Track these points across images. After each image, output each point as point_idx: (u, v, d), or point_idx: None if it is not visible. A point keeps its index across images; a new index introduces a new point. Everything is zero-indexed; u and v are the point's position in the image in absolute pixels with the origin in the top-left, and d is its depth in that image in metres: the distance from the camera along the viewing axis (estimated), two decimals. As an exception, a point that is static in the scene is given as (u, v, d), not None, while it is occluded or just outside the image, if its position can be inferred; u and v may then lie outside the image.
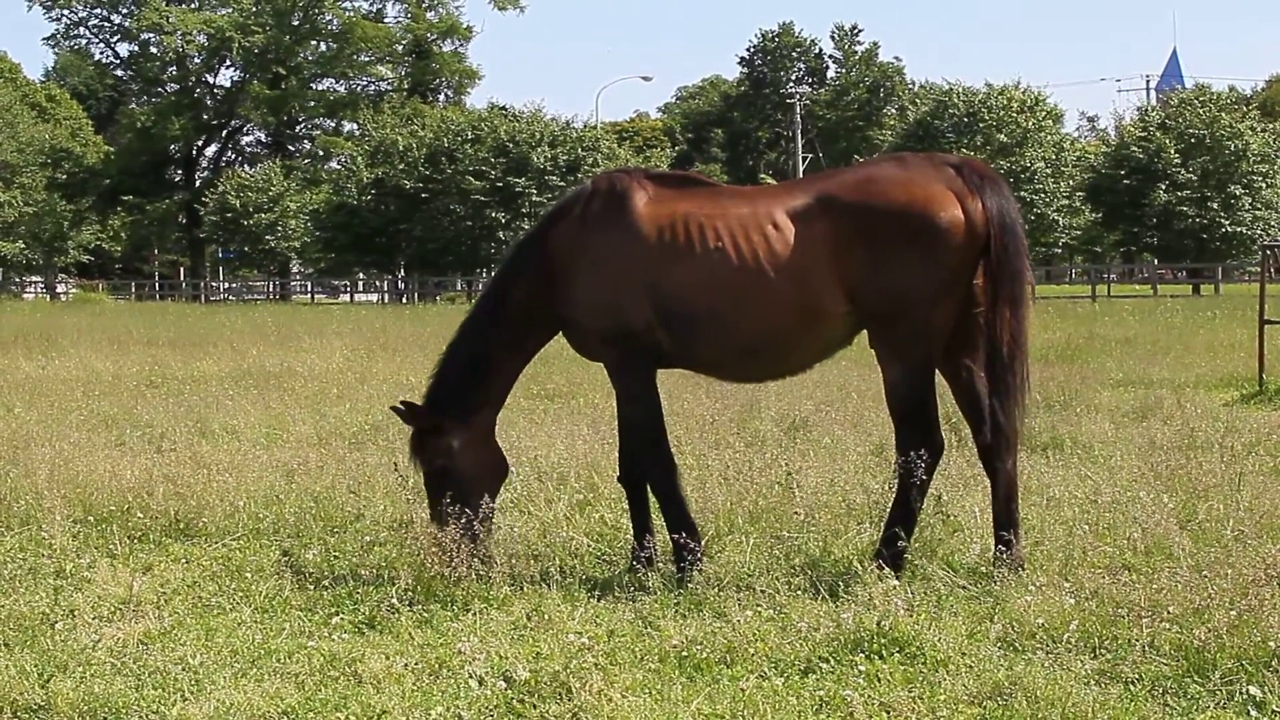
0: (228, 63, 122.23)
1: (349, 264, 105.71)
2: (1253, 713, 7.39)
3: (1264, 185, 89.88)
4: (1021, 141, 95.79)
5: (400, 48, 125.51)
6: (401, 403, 10.95)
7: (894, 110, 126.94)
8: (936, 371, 10.23)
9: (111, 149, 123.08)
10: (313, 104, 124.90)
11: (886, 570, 9.60)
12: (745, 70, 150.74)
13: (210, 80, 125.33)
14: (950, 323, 10.04)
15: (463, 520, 10.18)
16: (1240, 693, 7.58)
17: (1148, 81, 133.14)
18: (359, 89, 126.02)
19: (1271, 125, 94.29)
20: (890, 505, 10.27)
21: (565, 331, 10.91)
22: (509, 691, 7.83)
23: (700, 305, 10.25)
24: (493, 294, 11.06)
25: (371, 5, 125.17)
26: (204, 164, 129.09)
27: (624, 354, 10.54)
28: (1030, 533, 10.82)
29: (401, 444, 12.82)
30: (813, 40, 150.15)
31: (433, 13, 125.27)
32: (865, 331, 10.27)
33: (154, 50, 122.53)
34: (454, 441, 10.74)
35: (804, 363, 10.73)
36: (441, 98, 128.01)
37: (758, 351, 10.39)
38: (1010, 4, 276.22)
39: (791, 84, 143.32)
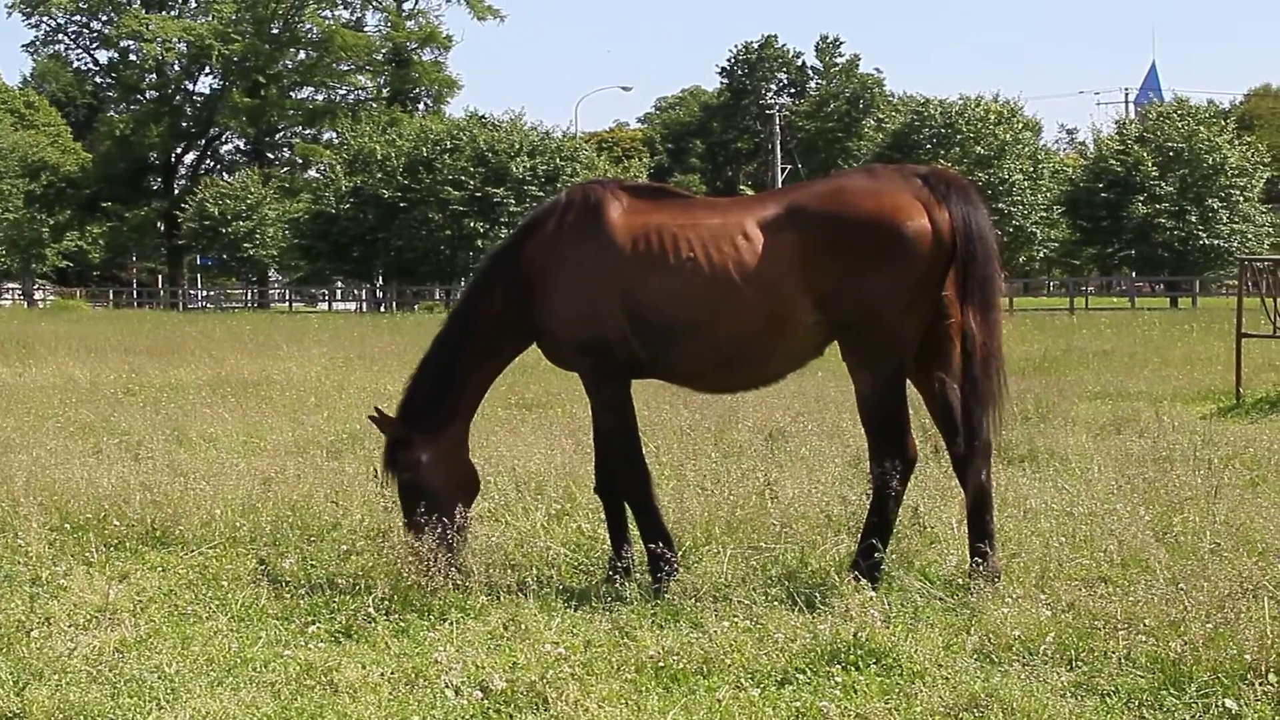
0: (207, 70, 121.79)
1: (327, 273, 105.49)
2: (1228, 725, 7.41)
3: (1241, 199, 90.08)
4: (999, 153, 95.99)
5: (380, 57, 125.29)
6: (376, 410, 10.98)
7: (873, 122, 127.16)
8: (909, 382, 10.28)
9: (90, 156, 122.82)
10: (292, 112, 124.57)
11: (863, 581, 9.61)
12: (725, 81, 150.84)
13: (190, 88, 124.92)
14: (920, 333, 10.07)
15: (437, 531, 10.21)
16: (1216, 705, 7.60)
17: (1126, 95, 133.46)
18: (338, 98, 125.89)
19: (1249, 139, 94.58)
20: (866, 516, 10.30)
21: (540, 342, 10.94)
22: (485, 701, 7.83)
23: (673, 315, 10.29)
24: (466, 305, 11.10)
25: (351, 14, 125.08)
26: (183, 172, 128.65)
27: (599, 364, 10.58)
28: (1007, 544, 10.83)
29: (379, 453, 12.81)
30: (796, 52, 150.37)
31: (412, 22, 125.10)
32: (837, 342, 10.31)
33: (133, 58, 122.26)
34: (423, 455, 10.76)
35: (776, 373, 10.77)
36: (421, 107, 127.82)
37: (729, 361, 10.42)
38: (991, 17, 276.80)
39: (771, 95, 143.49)
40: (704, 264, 10.20)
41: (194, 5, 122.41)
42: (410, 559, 10.01)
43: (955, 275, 10.00)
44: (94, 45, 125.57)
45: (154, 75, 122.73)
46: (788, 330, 10.17)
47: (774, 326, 10.15)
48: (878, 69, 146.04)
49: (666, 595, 9.99)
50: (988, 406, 10.10)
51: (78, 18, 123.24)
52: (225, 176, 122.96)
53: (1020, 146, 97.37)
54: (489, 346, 10.94)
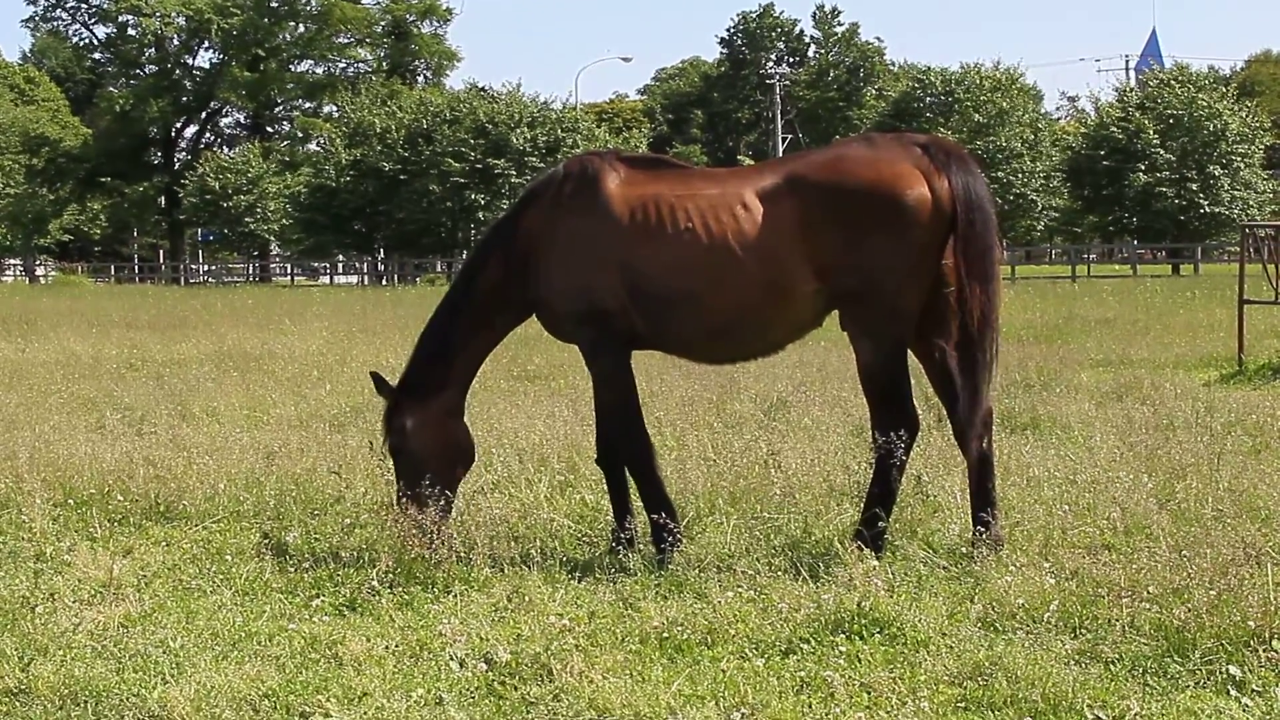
0: (206, 45, 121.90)
1: (328, 246, 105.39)
2: (1232, 692, 7.40)
3: (1242, 165, 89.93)
4: (999, 121, 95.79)
5: (379, 29, 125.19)
6: (373, 374, 11.04)
7: (874, 91, 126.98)
8: (910, 351, 10.27)
9: (90, 131, 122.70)
10: (291, 86, 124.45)
11: (867, 551, 9.60)
12: (725, 51, 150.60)
13: (189, 62, 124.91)
14: (920, 302, 10.05)
15: (426, 499, 10.23)
16: (1220, 672, 7.60)
17: (1127, 61, 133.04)
18: (338, 71, 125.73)
19: (1250, 105, 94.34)
20: (869, 485, 10.29)
21: (538, 314, 10.93)
22: (490, 673, 7.84)
23: (671, 285, 10.28)
24: (465, 277, 11.09)
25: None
26: (183, 146, 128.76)
27: (598, 336, 10.56)
28: (1010, 513, 10.82)
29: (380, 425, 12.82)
30: (794, 21, 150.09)
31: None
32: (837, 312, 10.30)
33: (132, 32, 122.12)
34: (409, 420, 10.77)
35: (775, 343, 10.74)
36: (420, 79, 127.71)
37: (728, 331, 10.41)
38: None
39: (771, 64, 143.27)
40: (703, 234, 10.18)
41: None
42: (410, 529, 10.01)
43: (954, 245, 9.99)
44: (93, 20, 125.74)
45: (153, 50, 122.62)
46: (787, 300, 10.15)
47: (773, 296, 10.13)
48: (878, 38, 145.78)
49: (670, 566, 9.98)
50: (981, 377, 10.11)
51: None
52: (225, 151, 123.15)
53: (1019, 114, 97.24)
54: (484, 318, 10.93)
